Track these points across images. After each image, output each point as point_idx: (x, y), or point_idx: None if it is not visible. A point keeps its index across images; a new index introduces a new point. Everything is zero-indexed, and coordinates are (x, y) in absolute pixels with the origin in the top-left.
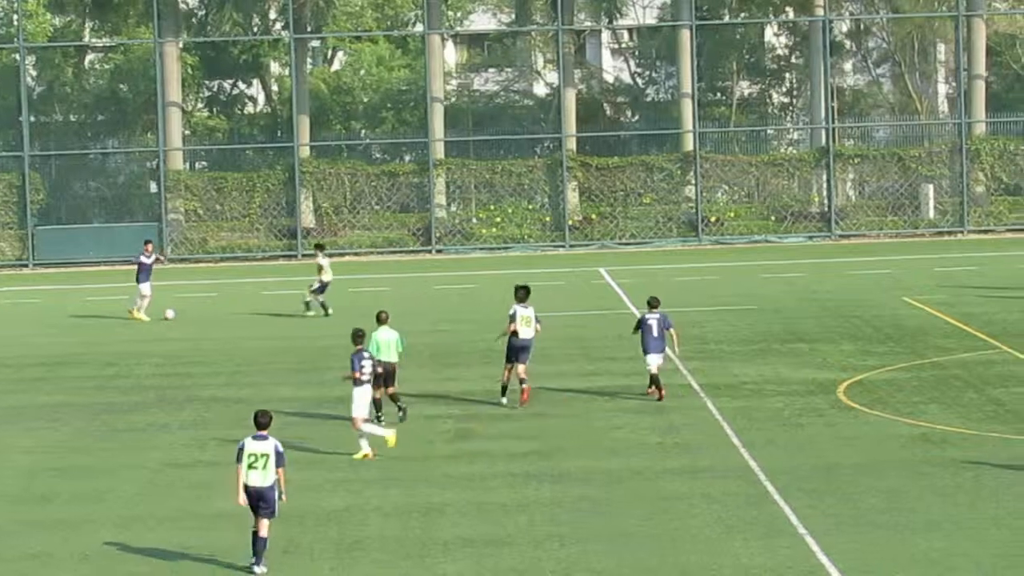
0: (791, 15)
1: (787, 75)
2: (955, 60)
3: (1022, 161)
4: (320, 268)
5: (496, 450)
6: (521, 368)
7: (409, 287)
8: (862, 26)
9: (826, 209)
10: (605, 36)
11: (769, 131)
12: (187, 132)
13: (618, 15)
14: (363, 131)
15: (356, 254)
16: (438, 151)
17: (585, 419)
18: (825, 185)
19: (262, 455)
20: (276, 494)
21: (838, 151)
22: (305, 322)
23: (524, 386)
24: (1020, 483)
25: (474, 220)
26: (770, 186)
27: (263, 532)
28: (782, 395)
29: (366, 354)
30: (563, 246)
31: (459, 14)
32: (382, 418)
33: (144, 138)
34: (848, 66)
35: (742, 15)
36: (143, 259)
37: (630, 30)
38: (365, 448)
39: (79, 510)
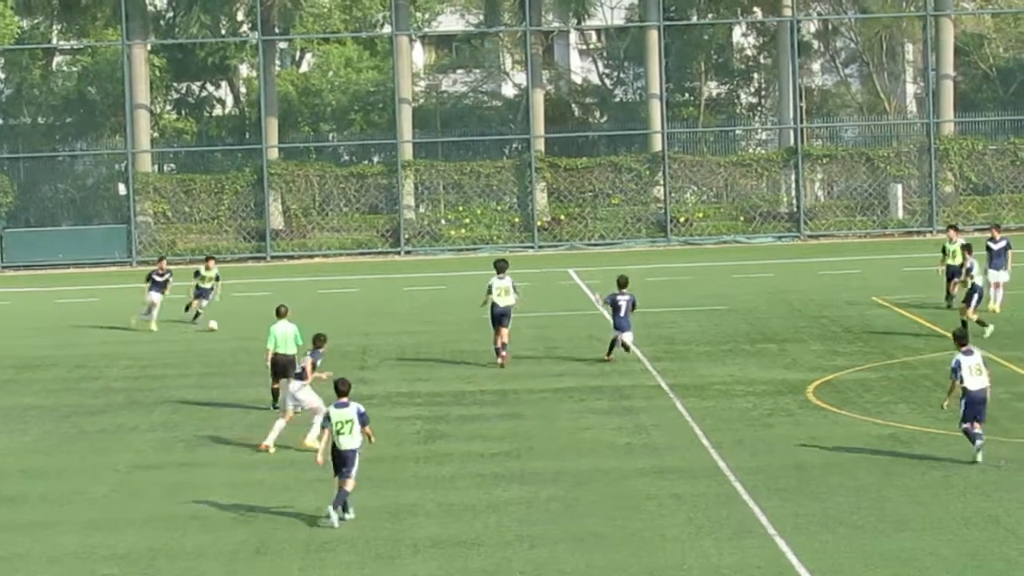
0: (759, 15)
1: (755, 75)
2: (923, 60)
3: (990, 161)
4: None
5: (465, 451)
6: (504, 332)
7: (378, 288)
8: (830, 26)
9: (795, 209)
10: (573, 37)
11: (737, 131)
12: (155, 134)
13: (586, 16)
14: (331, 133)
15: (325, 256)
16: (406, 152)
17: (554, 420)
18: (794, 185)
19: (347, 421)
20: (357, 457)
21: (806, 151)
22: (269, 324)
23: (503, 352)
24: (989, 482)
25: (443, 221)
26: (739, 186)
27: (348, 488)
28: (751, 395)
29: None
30: (532, 247)
31: (427, 15)
32: (278, 407)
33: (112, 140)
34: (816, 66)
35: (710, 15)
36: (155, 277)
37: (598, 31)
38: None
39: (49, 512)
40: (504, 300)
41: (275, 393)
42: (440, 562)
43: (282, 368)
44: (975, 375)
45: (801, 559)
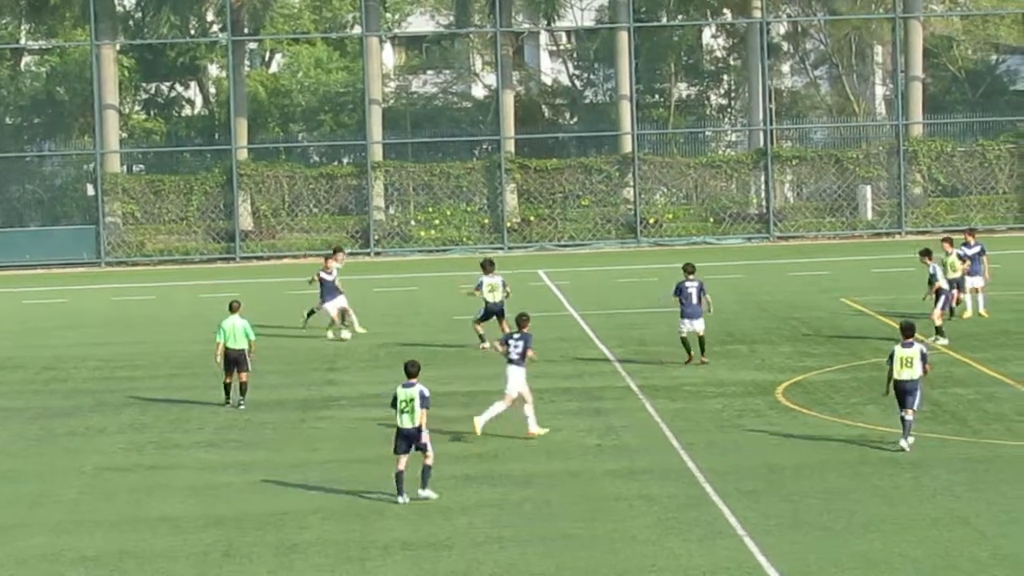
0: (729, 17)
1: (725, 77)
2: (892, 62)
3: (959, 163)
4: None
5: (436, 452)
6: (504, 324)
7: (348, 289)
8: (799, 28)
9: (764, 210)
10: (543, 38)
11: (707, 133)
12: (124, 135)
13: (556, 17)
14: (301, 133)
15: (294, 256)
16: (376, 153)
17: (524, 422)
18: (763, 187)
19: (410, 400)
20: (423, 435)
21: (776, 153)
22: None
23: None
24: (957, 483)
25: (412, 222)
26: (708, 188)
27: (428, 462)
28: (721, 396)
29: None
30: (502, 248)
31: (397, 16)
32: (230, 404)
33: (81, 141)
34: (786, 68)
35: (680, 17)
36: (324, 275)
37: (568, 32)
38: (532, 427)
39: (17, 514)
40: (494, 296)
41: (227, 388)
42: (410, 564)
43: (232, 362)
44: (904, 367)
45: (771, 560)
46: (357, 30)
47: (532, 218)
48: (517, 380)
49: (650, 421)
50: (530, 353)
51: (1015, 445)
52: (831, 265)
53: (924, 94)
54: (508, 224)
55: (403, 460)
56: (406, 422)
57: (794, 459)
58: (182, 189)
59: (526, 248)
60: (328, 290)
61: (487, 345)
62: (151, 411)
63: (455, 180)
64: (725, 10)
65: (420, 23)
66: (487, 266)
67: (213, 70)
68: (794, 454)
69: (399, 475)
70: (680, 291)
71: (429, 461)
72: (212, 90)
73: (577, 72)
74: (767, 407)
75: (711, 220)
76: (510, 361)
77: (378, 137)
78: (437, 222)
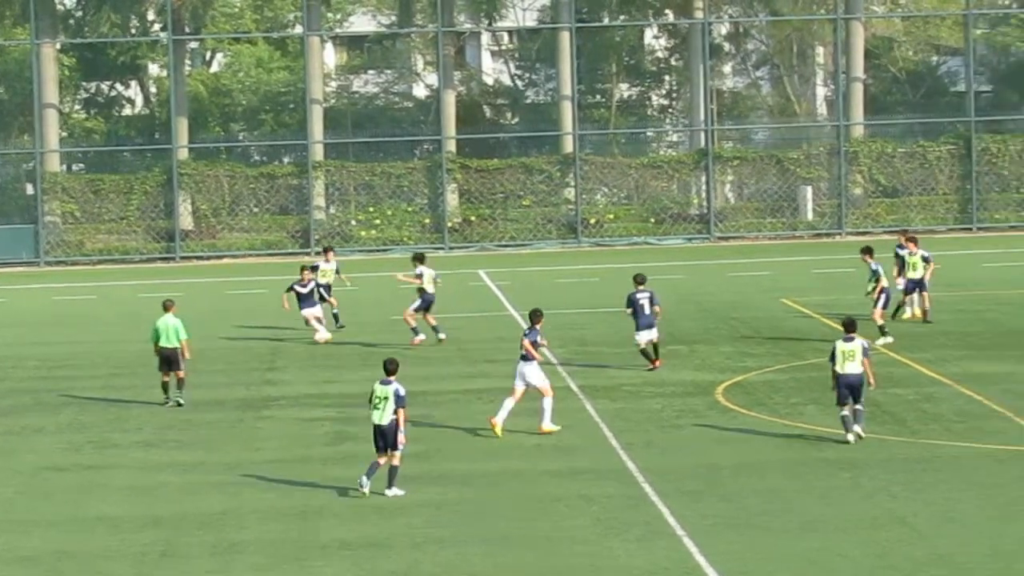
0: (671, 17)
1: (667, 77)
2: (833, 63)
3: (899, 164)
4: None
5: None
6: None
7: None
8: (741, 29)
9: (705, 211)
10: (485, 38)
11: (649, 133)
12: (64, 134)
13: (498, 17)
14: (242, 133)
15: (234, 256)
16: (317, 153)
17: (464, 421)
18: (704, 187)
19: (384, 397)
20: (395, 430)
21: (717, 153)
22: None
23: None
24: (896, 483)
25: (353, 222)
26: (649, 188)
27: (395, 462)
28: (660, 396)
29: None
30: (443, 248)
31: (339, 16)
32: (169, 402)
33: (20, 140)
34: (727, 68)
35: (622, 17)
36: (298, 288)
37: (510, 32)
38: (547, 423)
39: None
40: (431, 287)
41: (164, 387)
42: (349, 564)
43: (166, 361)
44: (847, 360)
45: (710, 560)
46: (299, 30)
47: (473, 218)
48: (534, 375)
49: (590, 421)
50: (526, 342)
51: (953, 445)
52: (772, 265)
53: (865, 95)
54: (449, 224)
55: (382, 458)
56: (377, 418)
57: (733, 459)
58: (122, 188)
59: (467, 248)
60: (304, 298)
61: (421, 338)
62: (90, 411)
63: (396, 180)
64: (667, 11)
65: (362, 23)
66: (421, 259)
67: (154, 69)
68: (733, 454)
69: (374, 464)
70: (632, 303)
71: (396, 461)
72: (153, 89)
73: (519, 72)
74: (707, 407)
75: (652, 220)
76: (522, 358)
77: (319, 137)
78: (378, 222)
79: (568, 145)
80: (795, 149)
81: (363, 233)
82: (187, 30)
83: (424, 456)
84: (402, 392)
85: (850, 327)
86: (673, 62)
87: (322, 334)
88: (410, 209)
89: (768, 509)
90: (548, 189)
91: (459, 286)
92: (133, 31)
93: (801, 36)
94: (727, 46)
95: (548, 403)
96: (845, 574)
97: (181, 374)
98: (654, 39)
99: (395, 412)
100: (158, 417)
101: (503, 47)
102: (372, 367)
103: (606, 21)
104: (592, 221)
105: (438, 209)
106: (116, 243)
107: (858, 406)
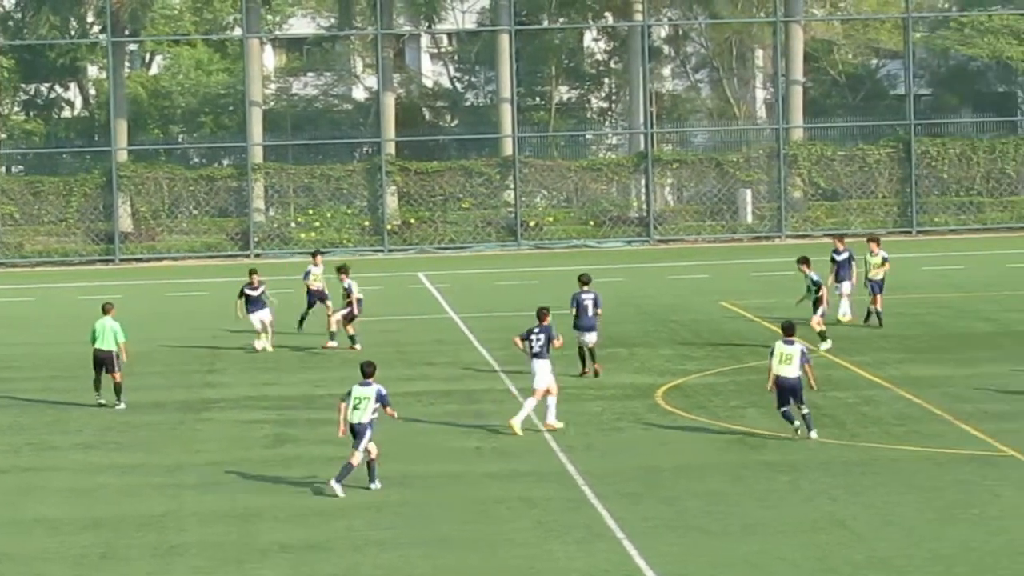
0: (610, 20)
1: (606, 80)
2: (773, 66)
3: (839, 167)
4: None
5: (315, 455)
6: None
7: (227, 292)
8: (680, 31)
9: (645, 214)
10: (424, 40)
11: (588, 136)
12: (3, 136)
13: (437, 19)
14: (181, 135)
15: (174, 258)
16: (257, 155)
17: (404, 424)
18: (644, 190)
19: (364, 398)
20: (369, 432)
21: (657, 156)
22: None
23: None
24: (835, 487)
25: (293, 224)
26: (589, 191)
27: (355, 460)
28: (601, 399)
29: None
30: (382, 250)
31: (278, 18)
32: (102, 400)
33: None
34: (667, 71)
35: (561, 20)
36: (248, 291)
37: (449, 34)
38: (551, 419)
39: None
40: (319, 285)
41: (96, 384)
42: (289, 566)
43: (100, 363)
44: (784, 363)
45: (650, 563)
46: (238, 32)
47: (412, 220)
48: (544, 373)
49: (530, 424)
50: (556, 342)
51: (892, 448)
52: (711, 268)
53: (805, 98)
54: (388, 226)
55: (356, 455)
56: (355, 417)
57: (673, 462)
58: (61, 190)
59: (406, 251)
60: (252, 301)
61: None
62: (29, 412)
63: (335, 182)
64: (606, 13)
65: (301, 25)
66: (316, 256)
67: (93, 71)
68: (674, 457)
69: (347, 466)
70: (576, 303)
71: (356, 460)
72: (92, 91)
73: (458, 75)
74: (647, 410)
75: (591, 223)
76: (534, 355)
77: (258, 139)
78: (317, 224)
79: (508, 148)
80: (735, 152)
81: (303, 235)
82: (126, 32)
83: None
84: (384, 391)
85: (790, 331)
86: (612, 65)
87: (261, 343)
88: (349, 211)
89: (708, 512)
90: (488, 192)
91: (399, 289)
92: (72, 33)
93: (740, 39)
94: (666, 49)
95: (553, 401)
96: None
97: (118, 377)
98: (593, 42)
99: (375, 412)
100: (98, 419)
101: (442, 49)
102: (311, 370)
103: (545, 24)
104: (531, 224)
105: (377, 212)
106: (55, 245)
107: (804, 410)
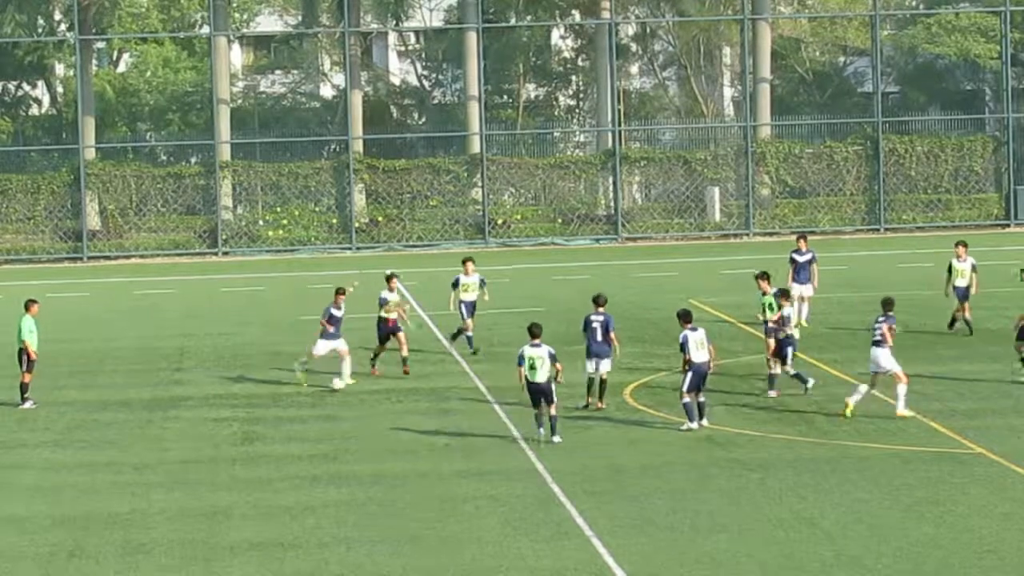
0: (577, 18)
1: (573, 78)
2: (740, 63)
3: (806, 164)
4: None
5: (282, 453)
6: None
7: (195, 289)
8: (648, 29)
9: (612, 212)
10: (392, 38)
11: (555, 134)
12: None
13: (404, 17)
14: (149, 133)
15: (142, 256)
16: (224, 153)
17: (372, 421)
18: (611, 188)
19: (539, 358)
20: (553, 386)
21: (624, 154)
22: (85, 324)
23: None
24: (803, 485)
25: (260, 222)
26: (557, 189)
27: (553, 412)
28: (568, 398)
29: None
30: (350, 248)
31: (245, 16)
32: (27, 402)
33: None
34: (634, 69)
35: (528, 18)
36: (334, 311)
37: (417, 32)
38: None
39: None
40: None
41: (23, 388)
42: (257, 564)
43: (30, 361)
44: (699, 349)
45: (618, 561)
46: (205, 30)
47: (380, 218)
48: (887, 358)
49: (498, 422)
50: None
51: (860, 446)
52: (679, 266)
53: (772, 96)
54: (356, 224)
55: (543, 408)
56: (537, 377)
57: (641, 460)
58: (29, 188)
59: (374, 248)
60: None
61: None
62: None
63: (303, 180)
64: (574, 11)
65: (268, 23)
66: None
67: (60, 69)
68: (641, 455)
69: (537, 416)
70: (586, 326)
71: (554, 411)
72: (60, 89)
73: (425, 72)
74: (614, 408)
75: (559, 221)
76: (875, 343)
77: (226, 137)
78: (285, 222)
79: (475, 145)
80: (702, 150)
81: (270, 233)
82: (93, 30)
83: (331, 456)
84: (552, 351)
85: (686, 318)
86: (580, 62)
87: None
88: (317, 209)
89: (676, 509)
90: (455, 189)
91: (367, 287)
92: (39, 31)
93: (708, 37)
94: (634, 46)
95: (903, 389)
96: (753, 575)
97: (27, 378)
98: (561, 39)
99: (553, 367)
100: (66, 417)
101: (410, 47)
102: (279, 367)
103: (513, 21)
104: (499, 222)
105: (345, 209)
106: (23, 243)
107: (703, 398)
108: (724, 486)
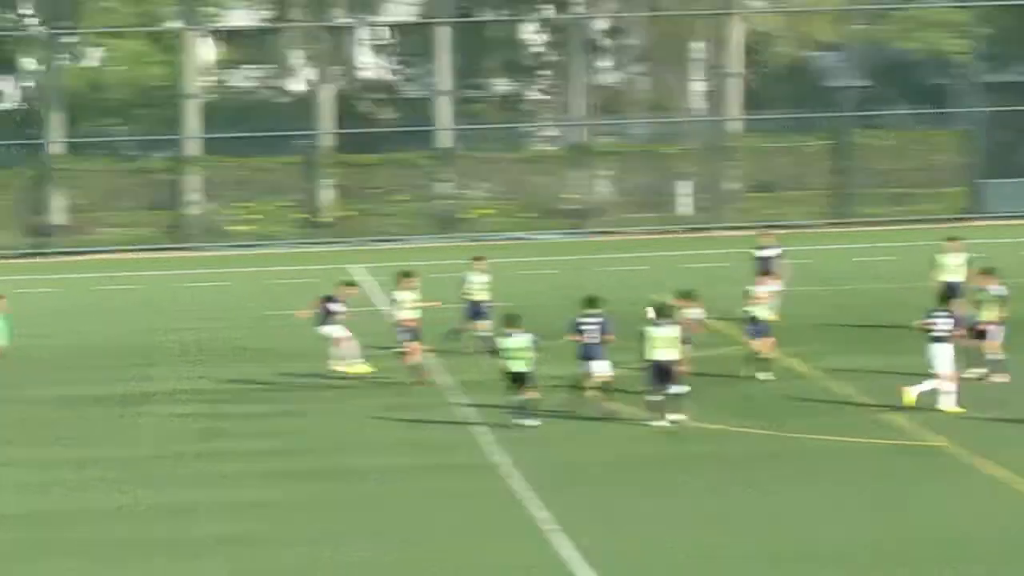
0: (550, 13)
1: (543, 72)
2: (710, 58)
3: (775, 158)
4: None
5: (248, 449)
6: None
7: (161, 285)
8: (619, 24)
9: (582, 206)
10: (363, 33)
11: (525, 128)
12: None
13: (375, 11)
14: (117, 127)
15: (108, 252)
16: (192, 148)
17: (337, 417)
18: (581, 182)
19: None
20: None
21: (594, 148)
22: (56, 320)
23: None
24: (766, 478)
25: (228, 218)
26: (526, 183)
27: (531, 395)
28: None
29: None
30: (318, 243)
31: (216, 10)
32: None
33: None
34: (604, 63)
35: (500, 13)
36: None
37: (388, 26)
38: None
39: None
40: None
41: None
42: (222, 560)
43: None
44: (664, 344)
45: (582, 555)
46: (176, 24)
47: (349, 213)
48: (947, 356)
49: (460, 417)
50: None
51: (822, 439)
52: (648, 260)
53: (742, 90)
54: (325, 219)
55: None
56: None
57: (606, 454)
58: None
59: (343, 244)
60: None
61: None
62: None
63: (272, 175)
64: (546, 5)
65: (239, 17)
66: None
67: (28, 64)
68: (606, 449)
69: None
70: (577, 328)
71: (532, 395)
72: (27, 84)
73: (396, 67)
74: (578, 403)
75: (528, 215)
76: (935, 339)
77: (195, 132)
78: (253, 217)
79: (445, 140)
80: (672, 144)
81: (238, 228)
82: (62, 24)
83: (297, 452)
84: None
85: (662, 312)
86: (550, 57)
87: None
88: (286, 204)
89: (640, 503)
90: (424, 184)
91: (334, 282)
92: (8, 24)
93: (678, 31)
94: (604, 41)
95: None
96: (716, 568)
97: None
98: (531, 34)
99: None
100: (41, 413)
101: (380, 42)
102: (244, 362)
103: (484, 16)
104: (468, 216)
105: (314, 204)
106: None
107: (674, 389)
108: (687, 479)
